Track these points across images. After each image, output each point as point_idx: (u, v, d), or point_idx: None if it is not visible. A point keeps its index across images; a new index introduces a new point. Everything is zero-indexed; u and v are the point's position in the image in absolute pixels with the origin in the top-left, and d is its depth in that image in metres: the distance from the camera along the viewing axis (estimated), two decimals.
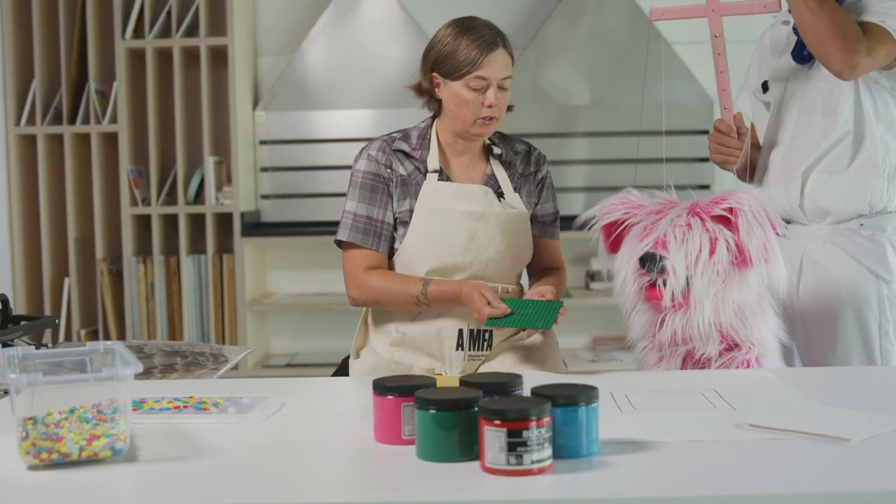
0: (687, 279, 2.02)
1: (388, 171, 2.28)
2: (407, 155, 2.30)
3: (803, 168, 2.36)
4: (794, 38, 2.37)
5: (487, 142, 2.36)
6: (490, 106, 2.22)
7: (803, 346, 2.40)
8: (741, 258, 2.03)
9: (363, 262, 2.27)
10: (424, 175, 2.29)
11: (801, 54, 2.36)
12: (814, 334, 2.37)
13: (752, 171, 2.55)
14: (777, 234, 2.07)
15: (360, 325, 2.39)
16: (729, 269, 2.03)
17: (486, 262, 2.27)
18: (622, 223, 2.14)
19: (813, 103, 2.37)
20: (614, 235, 2.16)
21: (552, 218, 2.41)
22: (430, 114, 2.35)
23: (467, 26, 2.25)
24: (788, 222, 2.41)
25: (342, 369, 2.42)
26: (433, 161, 2.29)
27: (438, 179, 2.28)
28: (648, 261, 2.03)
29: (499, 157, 2.36)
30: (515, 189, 2.35)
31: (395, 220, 2.29)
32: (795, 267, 2.38)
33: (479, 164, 2.35)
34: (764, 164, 2.47)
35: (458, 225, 2.25)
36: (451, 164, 2.33)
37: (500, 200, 2.31)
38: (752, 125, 2.61)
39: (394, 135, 2.34)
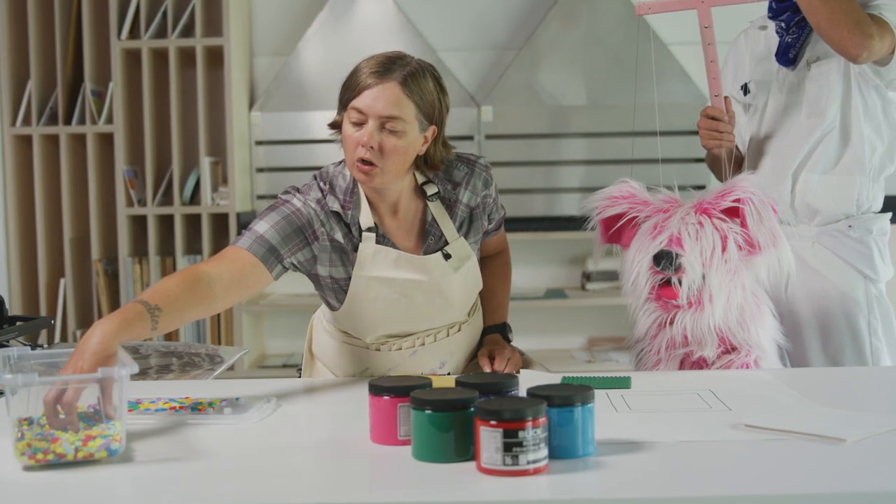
0: (703, 276, 2.02)
1: (323, 229, 2.00)
2: (339, 217, 2.01)
3: (793, 168, 2.38)
4: (777, 42, 2.39)
5: (421, 179, 2.06)
6: (362, 146, 1.90)
7: (793, 345, 2.40)
8: (750, 247, 2.04)
9: (230, 256, 1.88)
10: (359, 236, 2.01)
11: (787, 57, 2.39)
12: (804, 334, 2.39)
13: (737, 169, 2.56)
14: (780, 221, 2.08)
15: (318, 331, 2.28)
16: (738, 263, 2.04)
17: (439, 315, 2.11)
18: (622, 216, 2.13)
19: (799, 104, 2.39)
20: (614, 228, 2.14)
21: (499, 224, 2.25)
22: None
23: (376, 54, 1.96)
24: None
25: None
26: (366, 219, 2.01)
27: (376, 242, 2.01)
28: (664, 258, 2.02)
29: (436, 197, 2.07)
30: (460, 228, 2.09)
31: (326, 279, 2.04)
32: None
33: (415, 212, 2.06)
34: (750, 167, 2.49)
35: (403, 293, 2.03)
36: (384, 217, 2.04)
37: (446, 259, 2.05)
38: None
39: (322, 186, 2.03)
